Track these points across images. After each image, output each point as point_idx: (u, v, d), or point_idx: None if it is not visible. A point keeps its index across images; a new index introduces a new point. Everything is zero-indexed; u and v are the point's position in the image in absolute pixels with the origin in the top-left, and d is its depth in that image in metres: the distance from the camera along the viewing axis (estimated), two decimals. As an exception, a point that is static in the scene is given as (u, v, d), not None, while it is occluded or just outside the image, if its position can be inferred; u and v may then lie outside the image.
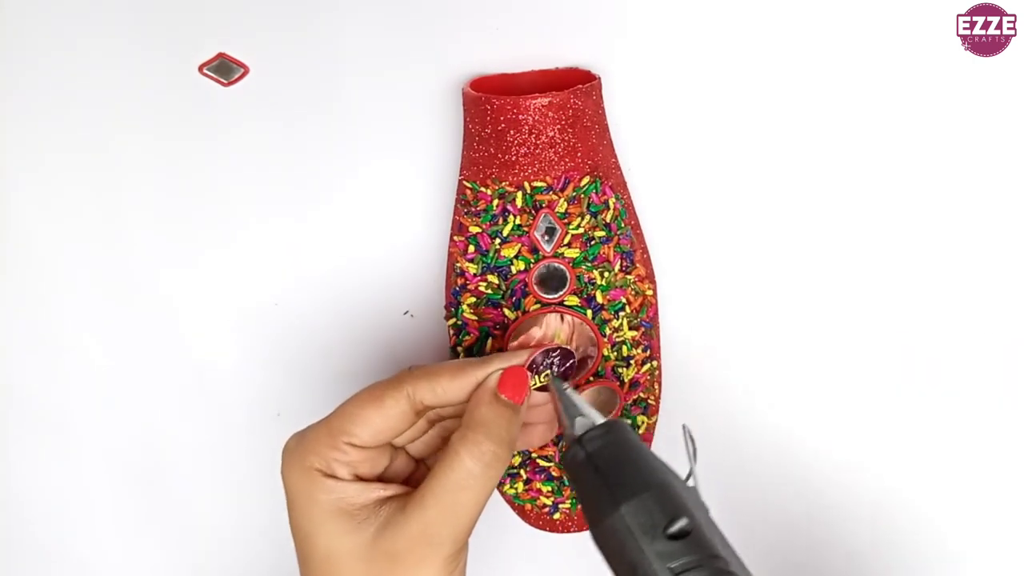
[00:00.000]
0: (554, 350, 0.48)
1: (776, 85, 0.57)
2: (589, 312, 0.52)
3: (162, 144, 0.61)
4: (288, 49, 0.59)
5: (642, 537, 0.40)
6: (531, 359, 0.47)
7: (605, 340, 0.53)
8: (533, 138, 0.51)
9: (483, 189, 0.53)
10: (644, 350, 0.55)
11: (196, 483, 0.67)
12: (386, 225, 0.61)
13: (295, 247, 0.62)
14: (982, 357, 0.59)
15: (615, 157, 0.56)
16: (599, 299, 0.52)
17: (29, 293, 0.64)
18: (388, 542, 0.44)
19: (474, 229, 0.53)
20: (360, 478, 0.47)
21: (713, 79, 0.57)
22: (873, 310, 0.59)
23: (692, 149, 0.58)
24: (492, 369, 0.46)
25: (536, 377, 0.47)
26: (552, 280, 0.52)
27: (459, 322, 0.54)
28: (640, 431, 0.56)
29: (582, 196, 0.52)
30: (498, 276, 0.53)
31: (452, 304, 0.55)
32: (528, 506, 0.58)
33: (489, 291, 0.53)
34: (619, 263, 0.53)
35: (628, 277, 0.54)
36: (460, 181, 0.55)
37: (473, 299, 0.54)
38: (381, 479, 0.49)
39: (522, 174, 0.52)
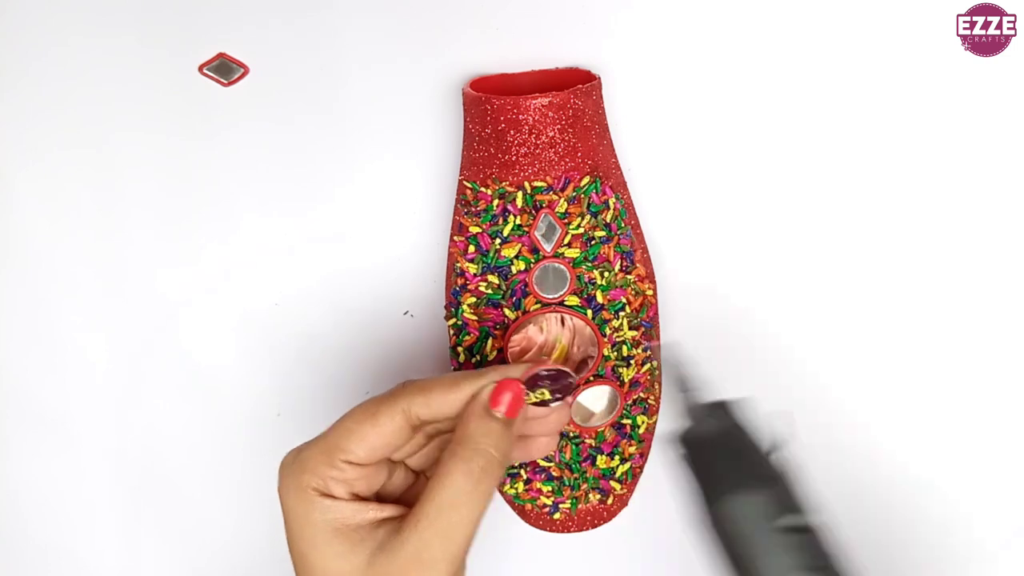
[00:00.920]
0: (554, 370, 0.47)
1: (776, 85, 0.57)
2: (589, 312, 0.52)
3: (162, 144, 0.61)
4: (288, 49, 0.59)
5: (764, 526, 0.39)
6: (528, 375, 0.46)
7: (605, 340, 0.53)
8: (533, 138, 0.51)
9: (483, 189, 0.53)
10: (644, 350, 0.55)
11: (196, 483, 0.67)
12: (386, 225, 0.61)
13: (295, 247, 0.62)
14: (982, 357, 0.59)
15: (615, 157, 0.56)
16: (599, 299, 0.52)
17: (29, 293, 0.64)
18: (384, 565, 0.44)
19: (474, 229, 0.53)
20: (357, 496, 0.46)
21: (713, 79, 0.57)
22: (874, 310, 0.59)
23: (692, 149, 0.58)
24: (486, 382, 0.46)
25: (531, 393, 0.46)
26: (552, 280, 0.52)
27: (459, 322, 0.54)
28: (640, 431, 0.56)
29: (582, 196, 0.52)
30: (498, 276, 0.53)
31: (452, 304, 0.55)
32: (528, 506, 0.58)
33: (489, 291, 0.53)
34: (619, 263, 0.53)
35: (628, 277, 0.54)
36: (460, 181, 0.55)
37: (473, 299, 0.54)
38: (380, 494, 0.48)
39: (522, 174, 0.52)
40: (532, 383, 0.46)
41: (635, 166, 0.58)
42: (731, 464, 0.41)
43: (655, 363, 0.56)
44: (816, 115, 0.57)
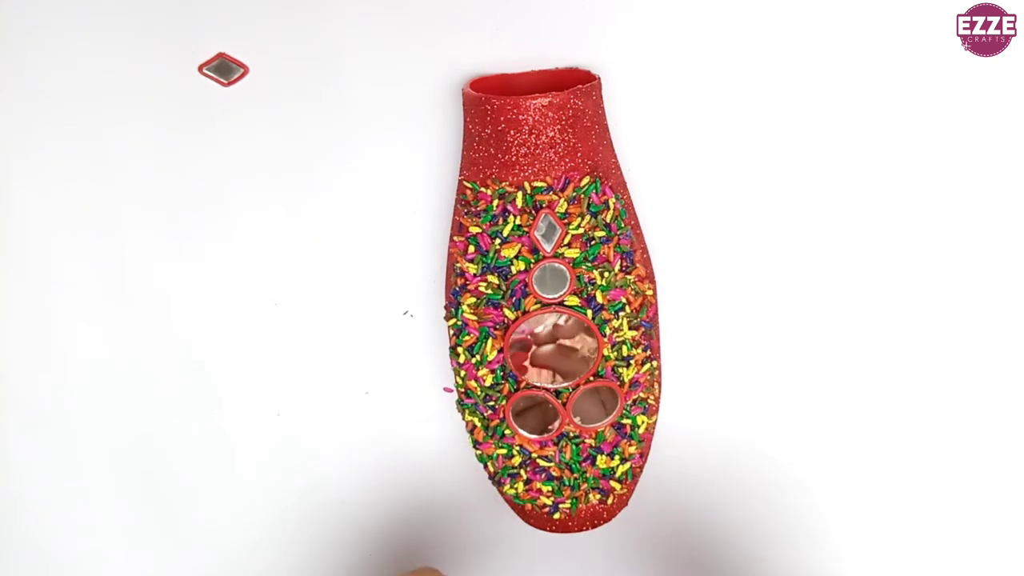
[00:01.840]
0: None
1: (776, 85, 0.57)
2: (589, 312, 0.52)
3: (162, 144, 0.61)
4: (288, 49, 0.59)
5: None
6: None
7: (605, 340, 0.53)
8: (533, 138, 0.51)
9: (483, 189, 0.53)
10: (644, 350, 0.55)
11: (195, 483, 0.67)
12: (386, 225, 0.61)
13: (295, 247, 0.62)
14: (982, 357, 0.59)
15: (615, 157, 0.56)
16: (599, 299, 0.52)
17: (28, 292, 0.64)
18: None
19: (474, 229, 0.53)
20: None
21: (713, 79, 0.57)
22: (873, 310, 0.59)
23: (692, 149, 0.58)
24: None
25: None
26: (552, 280, 0.52)
27: (459, 322, 0.54)
28: (640, 431, 0.56)
29: (582, 196, 0.52)
30: (498, 276, 0.53)
31: (452, 304, 0.55)
32: (528, 506, 0.58)
33: (489, 291, 0.53)
34: (619, 263, 0.53)
35: (628, 277, 0.54)
36: (460, 181, 0.55)
37: (473, 299, 0.54)
38: None
39: (522, 174, 0.52)
40: None
41: (635, 166, 0.58)
42: None
43: (655, 363, 0.56)
44: (816, 115, 0.57)
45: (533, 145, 0.51)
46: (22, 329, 0.65)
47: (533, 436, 0.55)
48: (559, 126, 0.51)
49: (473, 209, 0.53)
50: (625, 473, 0.56)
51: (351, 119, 0.60)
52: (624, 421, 0.55)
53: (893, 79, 0.56)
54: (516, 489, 0.57)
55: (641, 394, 0.55)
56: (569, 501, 0.56)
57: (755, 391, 0.61)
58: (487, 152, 0.53)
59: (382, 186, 0.61)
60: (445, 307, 0.57)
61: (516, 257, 0.52)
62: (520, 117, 0.51)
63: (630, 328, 0.54)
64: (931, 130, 0.56)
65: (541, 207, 0.52)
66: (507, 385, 0.54)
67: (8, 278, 0.64)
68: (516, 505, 0.59)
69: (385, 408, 0.64)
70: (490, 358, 0.53)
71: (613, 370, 0.54)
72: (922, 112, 0.56)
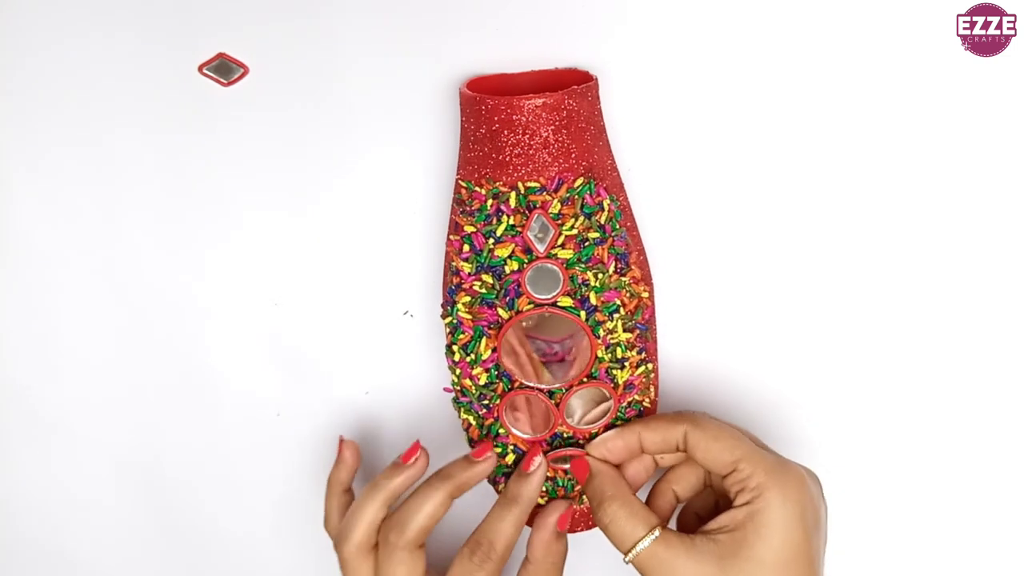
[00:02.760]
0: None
1: (775, 86, 0.56)
2: (583, 313, 0.52)
3: (162, 144, 0.61)
4: (288, 49, 0.59)
5: None
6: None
7: (599, 341, 0.53)
8: (527, 138, 0.51)
9: (478, 188, 0.53)
10: (639, 352, 0.55)
11: (195, 483, 0.67)
12: (386, 225, 0.61)
13: (295, 247, 0.62)
14: (982, 357, 0.59)
15: (611, 158, 0.56)
16: (593, 300, 0.52)
17: (28, 292, 0.64)
18: None
19: (469, 228, 0.53)
20: None
21: (713, 80, 0.57)
22: (873, 311, 0.59)
23: (691, 151, 0.58)
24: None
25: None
26: (545, 281, 0.52)
27: (454, 321, 0.54)
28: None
29: (576, 197, 0.52)
30: (492, 276, 0.53)
31: (448, 303, 0.55)
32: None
33: (483, 290, 0.53)
34: (613, 265, 0.53)
35: (623, 279, 0.53)
36: (456, 180, 0.55)
37: (468, 298, 0.53)
38: None
39: (516, 174, 0.52)
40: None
41: (633, 168, 0.57)
42: None
43: (651, 366, 0.56)
44: (815, 115, 0.56)
45: (527, 145, 0.51)
46: (22, 329, 0.65)
47: (526, 435, 0.55)
48: (553, 127, 0.51)
49: (468, 208, 0.53)
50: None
51: (351, 119, 0.60)
52: (618, 423, 0.55)
53: (893, 79, 0.55)
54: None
55: (636, 396, 0.55)
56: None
57: (754, 395, 0.61)
58: (482, 151, 0.53)
59: (382, 186, 0.61)
60: (442, 305, 0.57)
61: (509, 257, 0.52)
62: (514, 117, 0.51)
63: (624, 330, 0.54)
64: (931, 130, 0.56)
65: (534, 207, 0.52)
66: (501, 384, 0.54)
67: (9, 278, 0.64)
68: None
69: (385, 408, 0.64)
70: (484, 357, 0.53)
71: (607, 372, 0.53)
72: (922, 112, 0.55)
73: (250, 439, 0.66)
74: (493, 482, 0.58)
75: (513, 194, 0.52)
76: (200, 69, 0.60)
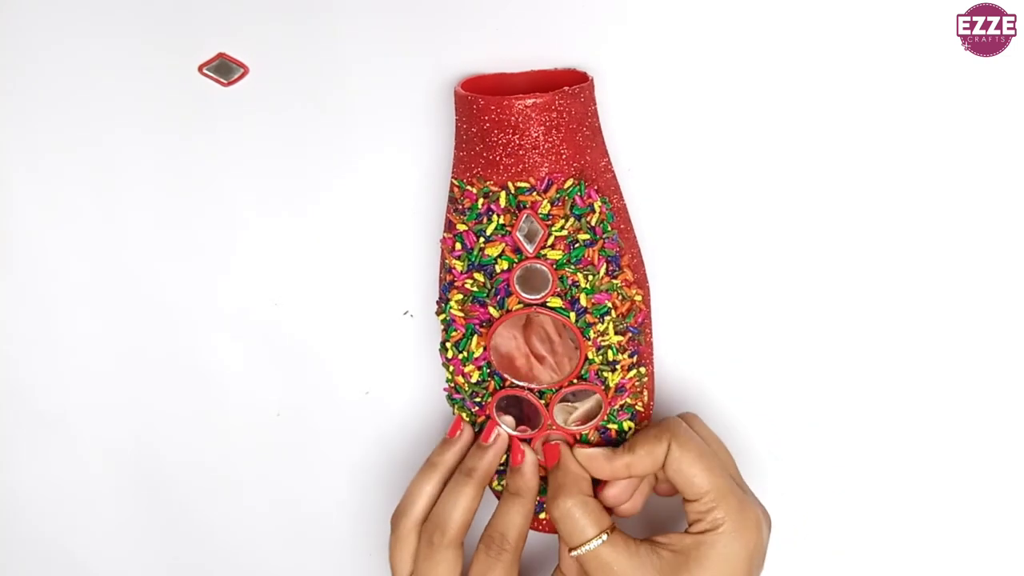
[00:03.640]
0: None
1: (774, 86, 0.56)
2: (572, 315, 0.52)
3: (162, 144, 0.62)
4: (287, 49, 0.59)
5: None
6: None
7: (589, 343, 0.52)
8: (517, 138, 0.51)
9: (469, 187, 0.53)
10: (631, 356, 0.54)
11: (195, 483, 0.67)
12: (385, 224, 0.61)
13: (295, 247, 0.62)
14: (982, 359, 0.58)
15: (606, 159, 0.55)
16: (583, 302, 0.52)
17: (28, 292, 0.65)
18: None
19: (461, 227, 0.53)
20: None
21: (711, 80, 0.56)
22: (871, 314, 0.58)
23: (689, 152, 0.57)
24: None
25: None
26: (534, 281, 0.52)
27: (447, 318, 0.54)
28: (627, 436, 0.55)
29: (566, 198, 0.52)
30: (483, 274, 0.53)
31: (442, 300, 0.55)
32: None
33: (475, 288, 0.53)
34: (604, 267, 0.52)
35: (614, 281, 0.53)
36: (451, 179, 0.55)
37: (460, 296, 0.53)
38: None
39: (506, 174, 0.52)
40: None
41: (631, 169, 0.57)
42: None
43: (644, 369, 0.56)
44: (815, 116, 0.56)
45: (517, 145, 0.51)
46: (23, 329, 0.65)
47: (516, 432, 0.55)
48: (543, 127, 0.51)
49: (460, 207, 0.53)
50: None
51: (351, 119, 0.60)
52: (610, 426, 0.55)
53: (893, 79, 0.55)
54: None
55: (628, 399, 0.55)
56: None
57: (752, 396, 0.60)
58: (474, 151, 0.53)
59: (382, 185, 0.61)
60: (437, 303, 0.57)
61: (499, 256, 0.52)
62: (504, 117, 0.51)
63: (616, 333, 0.53)
64: (931, 130, 0.55)
65: (524, 207, 0.52)
66: (492, 382, 0.54)
67: (10, 279, 0.65)
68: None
69: (385, 408, 0.64)
70: (476, 355, 0.53)
71: (597, 374, 0.53)
72: (922, 112, 0.55)
73: (250, 439, 0.66)
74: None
75: (503, 194, 0.52)
76: (200, 69, 0.60)
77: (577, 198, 0.52)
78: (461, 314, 0.54)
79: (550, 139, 0.51)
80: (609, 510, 0.55)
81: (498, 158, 0.52)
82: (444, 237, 0.55)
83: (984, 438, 0.59)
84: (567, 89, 0.51)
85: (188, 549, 0.68)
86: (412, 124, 0.59)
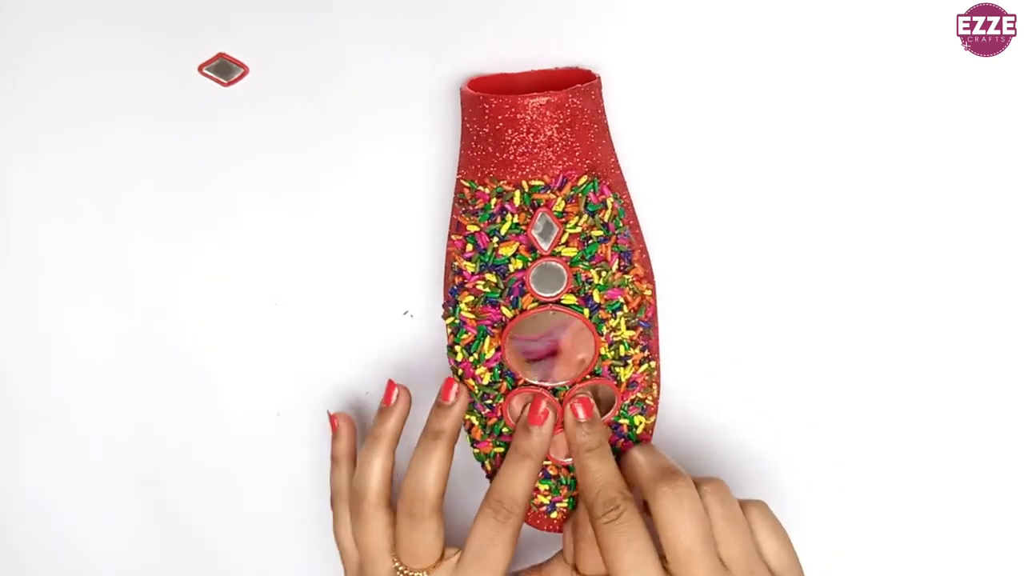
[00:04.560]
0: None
1: (776, 85, 0.57)
2: (586, 311, 0.52)
3: (161, 144, 0.61)
4: (288, 49, 0.59)
5: None
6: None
7: (602, 339, 0.53)
8: (531, 137, 0.51)
9: (481, 188, 0.53)
10: (642, 350, 0.55)
11: (195, 483, 0.67)
12: (385, 224, 0.61)
13: (295, 247, 0.62)
14: (983, 358, 0.59)
15: (614, 156, 0.56)
16: (596, 298, 0.52)
17: (28, 293, 0.64)
18: None
19: (472, 228, 0.53)
20: None
21: (713, 79, 0.57)
22: (873, 309, 0.59)
23: (692, 149, 0.58)
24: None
25: None
26: (549, 279, 0.52)
27: (457, 321, 0.54)
28: (638, 431, 0.56)
29: (580, 195, 0.52)
30: (496, 275, 0.53)
31: (450, 303, 0.55)
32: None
33: (487, 289, 0.53)
34: (617, 263, 0.53)
35: (626, 277, 0.54)
36: (458, 180, 0.55)
37: (471, 298, 0.53)
38: None
39: (520, 173, 0.52)
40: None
41: (635, 166, 0.58)
42: None
43: (653, 363, 0.56)
44: (816, 115, 0.57)
45: (531, 144, 0.51)
46: (23, 329, 0.65)
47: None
48: (557, 125, 0.51)
49: (471, 208, 0.53)
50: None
51: (351, 119, 0.60)
52: (621, 421, 0.55)
53: (893, 79, 0.56)
54: (514, 488, 0.57)
55: (639, 394, 0.55)
56: (566, 500, 0.56)
57: (756, 393, 0.61)
58: (485, 151, 0.53)
59: (382, 185, 0.61)
60: (443, 306, 0.57)
61: (514, 255, 0.52)
62: (518, 116, 0.51)
63: (628, 328, 0.54)
64: (931, 130, 0.56)
65: (538, 206, 0.52)
66: (505, 383, 0.54)
67: (10, 279, 0.64)
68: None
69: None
70: (488, 356, 0.53)
71: (610, 369, 0.53)
72: (922, 112, 0.56)
73: (250, 439, 0.66)
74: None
75: (517, 192, 0.52)
76: (200, 69, 0.60)
77: (591, 195, 0.52)
78: (472, 316, 0.54)
79: (563, 136, 0.52)
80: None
81: (512, 157, 0.52)
82: (452, 239, 0.55)
83: (984, 439, 0.60)
84: (580, 86, 0.52)
85: (188, 548, 0.68)
86: (412, 124, 0.59)
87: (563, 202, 0.52)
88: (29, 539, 0.68)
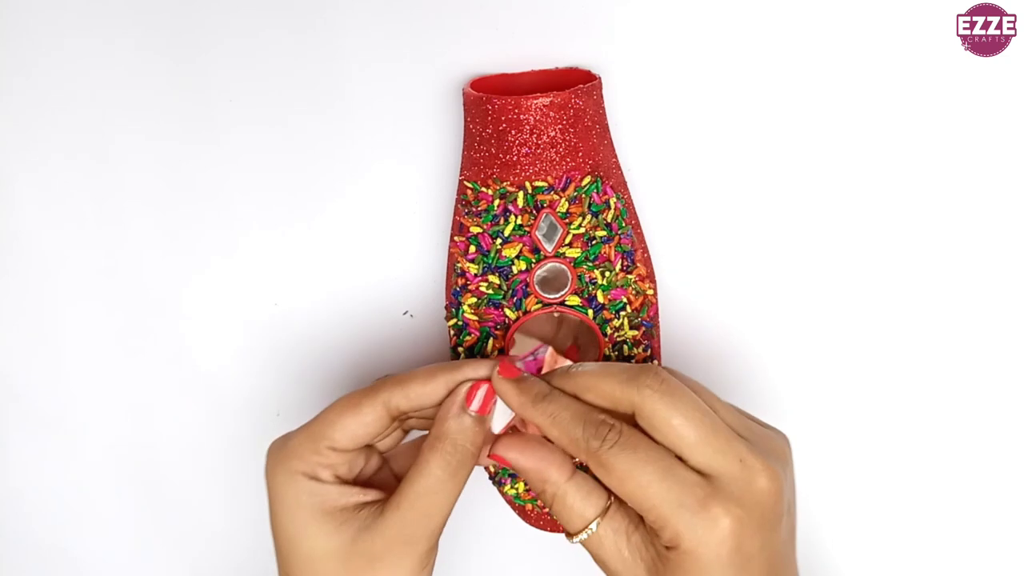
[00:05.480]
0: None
1: (776, 85, 0.57)
2: (590, 312, 0.52)
3: (161, 145, 0.61)
4: (290, 51, 0.59)
5: None
6: (503, 369, 0.48)
7: (606, 340, 0.53)
8: (534, 138, 0.51)
9: (484, 189, 0.53)
10: (644, 349, 0.55)
11: (195, 483, 0.67)
12: (386, 225, 0.61)
13: (295, 247, 0.62)
14: (983, 358, 0.59)
15: (616, 157, 0.56)
16: (600, 299, 0.52)
17: (30, 294, 0.64)
18: (367, 543, 0.47)
19: (475, 229, 0.53)
20: (340, 480, 0.49)
21: (714, 79, 0.57)
22: (874, 309, 0.59)
23: (693, 149, 0.58)
24: (462, 377, 0.48)
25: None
26: (553, 280, 0.52)
27: (460, 322, 0.54)
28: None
29: (583, 196, 0.52)
30: (499, 276, 0.53)
31: (453, 305, 0.55)
32: (528, 506, 0.58)
33: (490, 291, 0.53)
34: (620, 263, 0.53)
35: (629, 277, 0.54)
36: (461, 181, 0.55)
37: (474, 299, 0.54)
38: (358, 478, 0.51)
39: (523, 174, 0.52)
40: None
41: (636, 166, 0.58)
42: None
43: (655, 362, 0.56)
44: (816, 115, 0.57)
45: (534, 145, 0.51)
46: (23, 329, 0.65)
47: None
48: (560, 126, 0.51)
49: (474, 209, 0.53)
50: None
51: (352, 120, 0.60)
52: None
53: (893, 79, 0.56)
54: (516, 489, 0.57)
55: (642, 394, 0.55)
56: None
57: (756, 392, 0.61)
58: (488, 152, 0.53)
59: (382, 186, 0.61)
60: (445, 307, 0.57)
61: (517, 257, 0.52)
62: (521, 117, 0.51)
63: (631, 328, 0.54)
64: (931, 130, 0.56)
65: (542, 207, 0.52)
66: None
67: (11, 282, 0.64)
68: (516, 505, 0.59)
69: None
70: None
71: None
72: (922, 112, 0.56)
73: (250, 439, 0.65)
74: (498, 483, 0.58)
75: (521, 194, 0.52)
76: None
77: (594, 195, 0.52)
78: (475, 318, 0.54)
79: (567, 137, 0.52)
80: None
81: (515, 158, 0.52)
82: (455, 240, 0.55)
83: (985, 439, 0.60)
84: (582, 87, 0.52)
85: (187, 549, 0.68)
86: (415, 126, 0.59)
87: (567, 203, 0.52)
88: (29, 539, 0.68)
